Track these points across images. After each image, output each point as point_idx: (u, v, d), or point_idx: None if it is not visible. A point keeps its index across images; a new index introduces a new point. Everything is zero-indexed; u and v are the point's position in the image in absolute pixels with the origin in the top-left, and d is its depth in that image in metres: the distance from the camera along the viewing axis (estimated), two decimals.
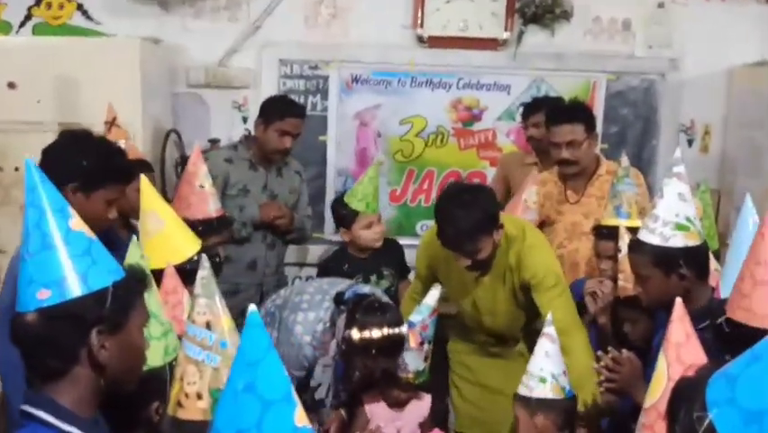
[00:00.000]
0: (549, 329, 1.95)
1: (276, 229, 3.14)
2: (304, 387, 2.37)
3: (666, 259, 1.84)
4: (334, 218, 3.13)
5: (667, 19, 3.84)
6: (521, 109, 3.76)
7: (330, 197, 3.86)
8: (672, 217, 1.83)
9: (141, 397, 1.47)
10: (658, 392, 1.13)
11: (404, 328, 2.20)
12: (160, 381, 1.49)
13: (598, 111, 3.82)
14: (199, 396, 1.26)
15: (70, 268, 1.20)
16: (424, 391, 2.38)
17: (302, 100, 3.82)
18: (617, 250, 2.40)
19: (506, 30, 3.73)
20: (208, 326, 1.31)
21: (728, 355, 1.30)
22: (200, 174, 2.52)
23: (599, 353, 1.95)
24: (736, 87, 3.83)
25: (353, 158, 3.87)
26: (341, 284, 2.49)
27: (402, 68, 3.78)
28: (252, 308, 1.01)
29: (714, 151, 3.94)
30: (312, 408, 2.41)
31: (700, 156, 3.94)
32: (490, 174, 3.78)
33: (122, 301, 1.24)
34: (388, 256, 3.15)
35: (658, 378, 1.14)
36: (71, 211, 1.25)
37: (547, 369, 1.92)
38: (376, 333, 2.16)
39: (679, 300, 1.19)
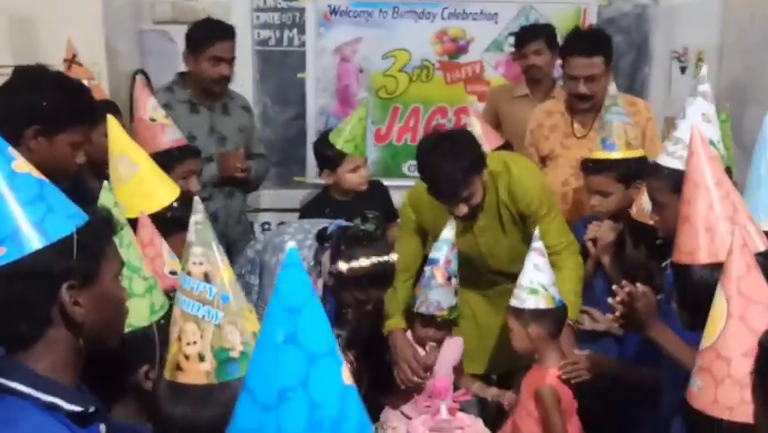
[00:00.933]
0: (537, 243, 2.07)
1: (236, 181, 2.91)
2: None
3: None
4: (318, 159, 2.94)
5: None
6: (510, 39, 3.59)
7: (311, 138, 3.66)
8: None
9: (127, 361, 1.32)
10: (716, 331, 1.02)
11: (393, 256, 2.15)
12: (147, 342, 1.35)
13: None
14: (201, 357, 1.11)
15: (23, 218, 1.05)
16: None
17: (277, 35, 3.60)
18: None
19: None
20: (207, 277, 1.15)
21: None
22: (149, 107, 2.38)
23: (615, 287, 1.85)
24: (732, 12, 3.67)
25: (334, 96, 3.66)
26: (323, 223, 2.37)
27: None
28: (292, 244, 0.85)
29: (708, 78, 3.79)
30: None
31: (694, 83, 3.80)
32: (479, 109, 3.61)
33: (89, 249, 1.10)
34: (373, 199, 2.98)
35: (716, 316, 1.03)
36: (13, 152, 1.09)
37: (537, 280, 2.04)
38: (364, 261, 2.10)
39: (736, 229, 1.06)
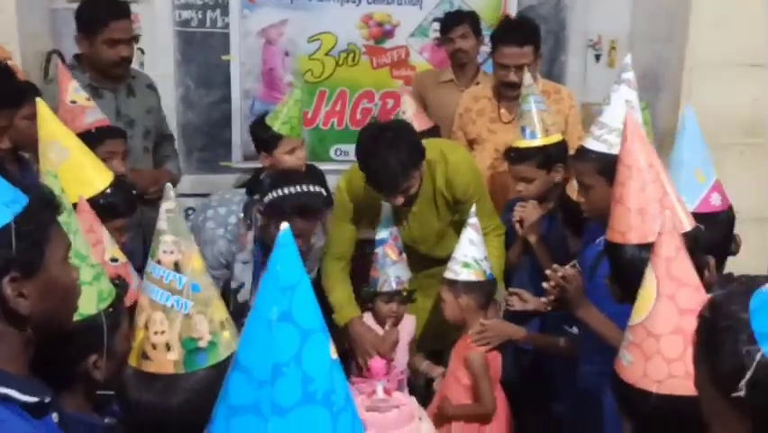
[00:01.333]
0: (473, 220, 2.20)
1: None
2: (227, 290, 2.35)
3: (610, 166, 1.80)
4: (255, 142, 2.90)
5: None
6: (434, 25, 3.65)
7: (237, 121, 3.62)
8: (618, 125, 1.78)
9: (75, 350, 1.29)
10: (646, 310, 1.09)
11: (320, 188, 2.26)
12: (95, 330, 1.31)
13: None
14: (169, 347, 1.09)
15: None
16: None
17: (200, 16, 3.51)
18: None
19: None
20: (177, 267, 1.13)
21: None
22: (69, 89, 2.28)
23: (548, 272, 1.94)
24: (642, 1, 3.86)
25: (260, 79, 3.62)
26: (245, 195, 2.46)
27: None
28: (284, 225, 0.85)
29: (620, 65, 3.98)
30: (237, 312, 2.31)
31: (607, 70, 3.98)
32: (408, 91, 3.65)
33: (31, 237, 1.04)
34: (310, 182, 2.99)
35: (646, 295, 1.09)
36: None
37: (470, 255, 2.18)
38: (291, 189, 2.19)
39: (667, 213, 1.14)
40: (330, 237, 2.56)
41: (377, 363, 2.32)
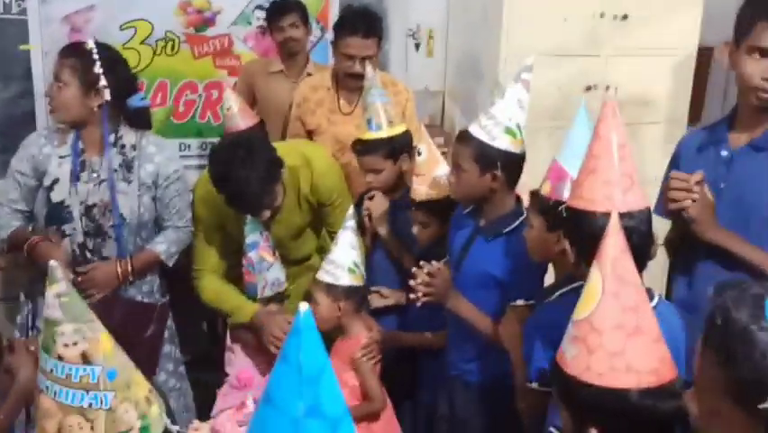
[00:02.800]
0: (351, 222, 2.16)
1: None
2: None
3: (487, 157, 1.87)
4: None
5: None
6: (257, 12, 3.53)
7: (41, 119, 3.25)
8: (504, 120, 1.86)
9: None
10: (591, 305, 1.12)
11: None
12: None
13: (333, 14, 3.74)
14: None
15: None
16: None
17: None
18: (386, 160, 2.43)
19: None
20: (85, 358, 0.95)
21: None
22: None
23: (414, 270, 1.96)
24: None
25: None
26: None
27: None
28: (304, 306, 0.74)
29: (438, 54, 4.13)
30: (52, 215, 2.33)
31: (426, 59, 4.11)
32: (230, 84, 3.50)
33: None
34: None
35: (591, 291, 1.13)
36: None
37: (352, 259, 2.14)
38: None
39: (615, 214, 1.18)
40: (197, 253, 2.41)
41: (245, 373, 2.23)
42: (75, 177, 2.30)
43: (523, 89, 1.89)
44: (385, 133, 2.42)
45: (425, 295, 1.93)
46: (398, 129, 2.47)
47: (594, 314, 1.11)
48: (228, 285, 2.40)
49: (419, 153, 2.25)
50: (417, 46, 4.08)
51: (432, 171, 2.22)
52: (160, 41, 3.41)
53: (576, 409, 1.13)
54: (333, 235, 2.49)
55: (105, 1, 3.27)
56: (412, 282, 1.95)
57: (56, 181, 2.29)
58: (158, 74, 3.44)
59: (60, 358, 0.97)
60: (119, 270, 2.34)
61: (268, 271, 2.26)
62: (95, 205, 2.31)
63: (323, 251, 2.66)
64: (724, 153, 1.78)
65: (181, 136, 3.55)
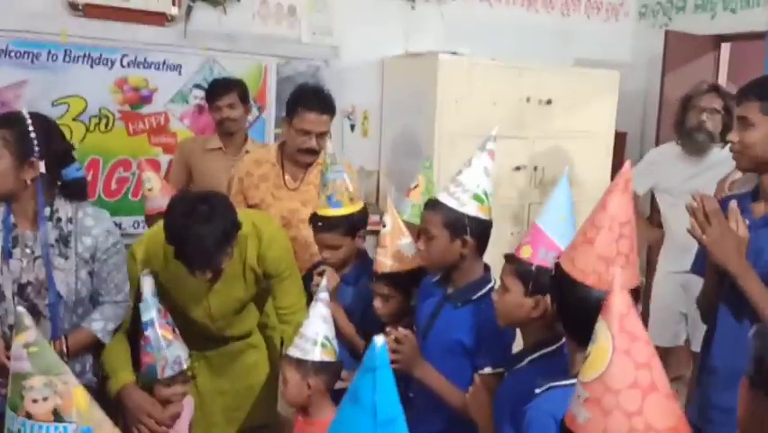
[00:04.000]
0: (324, 294, 2.03)
1: None
2: None
3: (456, 222, 1.89)
4: None
5: (326, 7, 3.98)
6: (195, 91, 3.54)
7: None
8: (472, 187, 1.90)
9: None
10: (602, 364, 1.09)
11: None
12: None
13: (271, 94, 3.80)
14: None
15: None
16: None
17: None
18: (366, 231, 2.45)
19: (173, 5, 3.42)
20: (57, 415, 0.86)
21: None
22: None
23: (380, 337, 1.92)
24: (388, 75, 4.17)
25: None
26: None
27: (53, 38, 3.19)
28: (380, 340, 0.69)
29: (373, 135, 4.23)
30: None
31: (361, 139, 4.19)
32: (164, 161, 3.46)
33: None
34: None
35: (601, 349, 1.08)
36: None
37: (323, 333, 2.01)
38: None
39: (618, 271, 1.19)
40: None
41: None
42: (7, 254, 2.15)
43: (488, 158, 1.94)
44: (346, 210, 2.41)
45: (392, 363, 1.89)
46: (358, 206, 2.47)
47: (606, 373, 1.09)
48: (121, 341, 2.25)
49: (383, 225, 2.25)
50: (353, 127, 4.17)
51: (396, 243, 2.22)
52: (94, 117, 3.35)
53: None
54: (279, 311, 2.42)
55: (39, 76, 3.20)
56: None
57: None
58: (90, 151, 3.35)
59: (29, 416, 0.88)
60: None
61: (167, 348, 2.12)
62: (29, 283, 2.16)
63: (265, 327, 2.59)
64: (746, 222, 1.83)
65: (112, 214, 3.42)
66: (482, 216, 1.92)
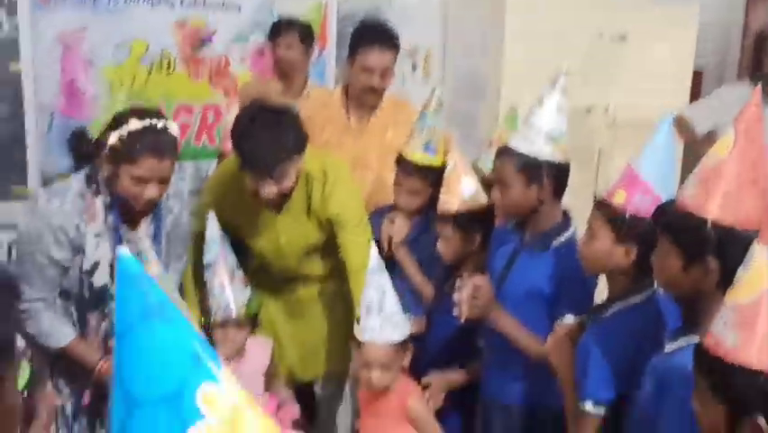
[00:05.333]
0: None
1: None
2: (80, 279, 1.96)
3: (531, 168, 1.80)
4: (75, 158, 2.53)
5: None
6: (255, 31, 3.46)
7: (32, 141, 3.11)
8: (545, 127, 1.80)
9: None
10: (757, 289, 1.04)
11: (172, 125, 1.92)
12: None
13: (331, 34, 3.69)
14: None
15: None
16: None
17: None
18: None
19: None
20: None
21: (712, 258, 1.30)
22: None
23: (457, 283, 1.86)
24: (452, 12, 4.00)
25: (59, 91, 3.14)
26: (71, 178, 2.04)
27: None
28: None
29: (435, 75, 4.09)
30: (94, 301, 1.98)
31: (423, 80, 4.06)
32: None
33: None
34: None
35: (757, 272, 1.05)
36: None
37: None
38: (134, 124, 1.84)
39: None
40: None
41: (266, 402, 2.10)
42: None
43: (560, 95, 1.84)
44: (439, 159, 2.33)
45: (469, 310, 1.83)
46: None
47: (764, 297, 1.03)
48: (193, 284, 2.28)
49: (447, 166, 2.17)
50: (414, 67, 4.04)
51: (459, 183, 2.14)
52: (156, 61, 3.31)
53: (737, 401, 1.04)
54: (351, 268, 2.27)
55: (100, 20, 3.16)
56: (455, 296, 1.86)
57: (96, 265, 1.96)
58: (153, 95, 3.32)
59: None
60: None
61: (220, 294, 2.12)
62: None
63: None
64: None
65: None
66: (558, 157, 1.82)
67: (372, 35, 2.66)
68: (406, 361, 1.98)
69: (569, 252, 1.73)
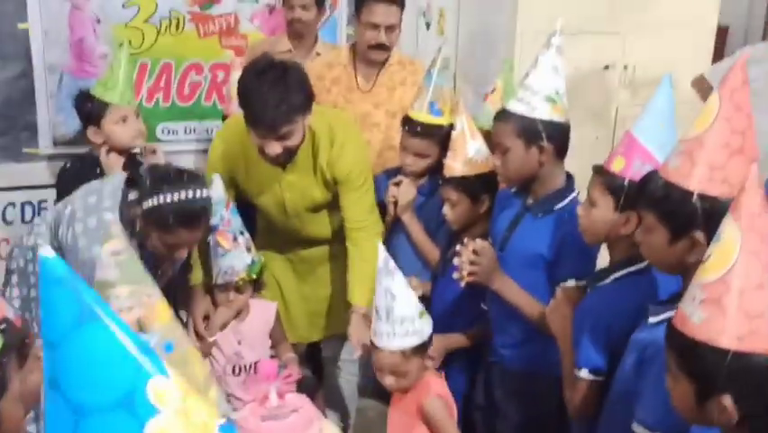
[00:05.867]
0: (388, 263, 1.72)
1: None
2: None
3: (530, 130, 1.76)
4: (80, 117, 2.54)
5: None
6: None
7: (42, 100, 3.11)
8: (542, 88, 1.76)
9: None
10: (725, 265, 1.01)
11: (206, 192, 1.93)
12: None
13: None
14: None
15: None
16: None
17: None
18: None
19: None
20: (140, 326, 0.83)
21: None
22: None
23: (459, 247, 1.84)
24: None
25: (68, 50, 3.12)
26: (113, 177, 2.07)
27: None
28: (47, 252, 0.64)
29: (449, 33, 4.00)
30: None
31: (437, 38, 3.98)
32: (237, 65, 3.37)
33: None
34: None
35: (726, 247, 1.02)
36: None
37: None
38: (170, 197, 1.85)
39: (754, 167, 1.07)
40: None
41: (266, 365, 2.11)
42: None
43: (556, 55, 1.78)
44: (446, 120, 2.28)
45: (469, 274, 1.81)
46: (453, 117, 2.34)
47: (730, 273, 1.01)
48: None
49: (453, 128, 2.13)
50: (428, 24, 3.96)
51: (465, 146, 2.10)
52: (165, 19, 3.27)
53: (704, 379, 1.02)
54: (346, 224, 2.30)
55: None
56: (456, 260, 1.84)
57: None
58: (162, 54, 3.30)
59: None
60: None
61: (221, 257, 2.12)
62: None
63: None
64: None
65: (185, 119, 3.42)
66: (557, 118, 1.77)
67: None
68: (433, 363, 1.93)
69: (571, 216, 1.70)
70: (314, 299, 2.49)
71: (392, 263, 1.71)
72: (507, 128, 1.80)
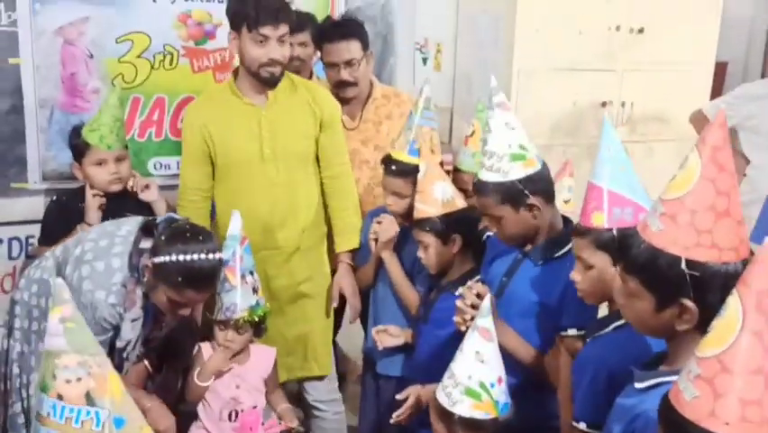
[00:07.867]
0: (485, 322, 1.56)
1: None
2: (111, 349, 2.01)
3: (512, 194, 1.73)
4: (73, 152, 2.63)
5: None
6: None
7: (33, 135, 3.07)
8: (505, 149, 1.73)
9: None
10: (725, 341, 0.93)
11: (219, 255, 1.94)
12: None
13: None
14: None
15: None
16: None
17: None
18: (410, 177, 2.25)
19: None
20: (89, 399, 0.77)
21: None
22: None
23: (462, 290, 1.79)
24: (463, 4, 3.90)
25: (60, 85, 3.09)
26: (128, 222, 2.07)
27: None
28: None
29: (446, 69, 4.00)
30: (121, 369, 2.05)
31: (434, 74, 3.97)
32: None
33: None
34: (135, 202, 2.62)
35: (728, 324, 0.95)
36: None
37: (477, 377, 1.56)
38: (182, 256, 1.86)
39: (767, 240, 1.00)
40: (182, 179, 2.49)
41: (249, 416, 2.04)
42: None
43: (503, 112, 1.75)
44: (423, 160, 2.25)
45: (472, 319, 1.75)
46: (437, 158, 2.31)
47: (728, 353, 0.94)
48: (191, 210, 2.43)
49: (419, 170, 2.11)
50: (425, 60, 3.95)
51: (431, 187, 2.07)
52: (158, 54, 3.24)
53: None
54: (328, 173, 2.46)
55: (101, 12, 3.09)
56: (459, 303, 1.78)
57: (128, 343, 2.06)
58: (155, 89, 3.27)
59: (60, 397, 0.80)
60: None
61: (226, 293, 2.09)
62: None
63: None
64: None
65: (178, 154, 3.36)
66: (532, 170, 1.73)
67: (326, 30, 2.66)
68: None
69: (572, 262, 1.64)
70: (286, 337, 2.45)
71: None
72: (489, 199, 1.79)
